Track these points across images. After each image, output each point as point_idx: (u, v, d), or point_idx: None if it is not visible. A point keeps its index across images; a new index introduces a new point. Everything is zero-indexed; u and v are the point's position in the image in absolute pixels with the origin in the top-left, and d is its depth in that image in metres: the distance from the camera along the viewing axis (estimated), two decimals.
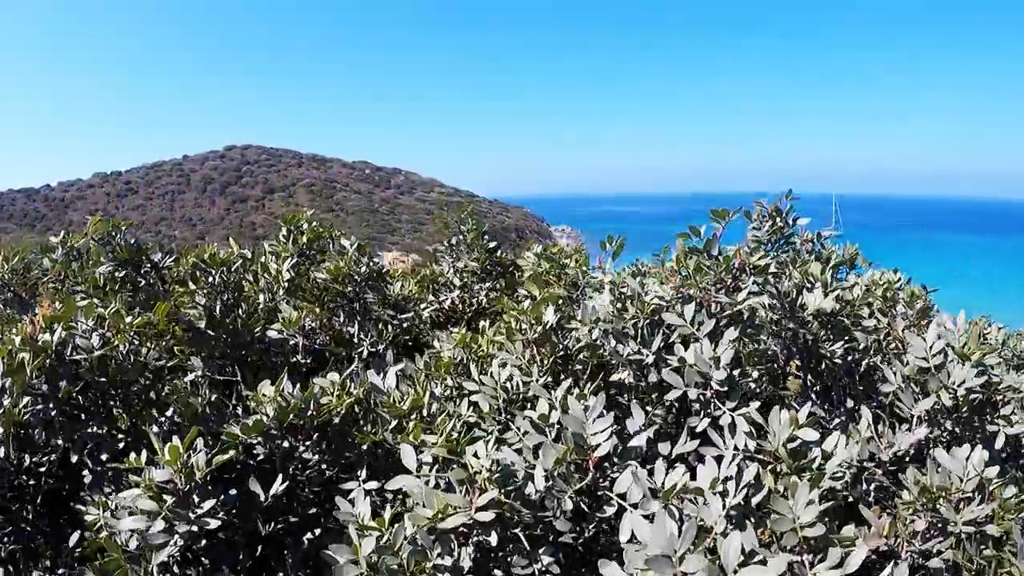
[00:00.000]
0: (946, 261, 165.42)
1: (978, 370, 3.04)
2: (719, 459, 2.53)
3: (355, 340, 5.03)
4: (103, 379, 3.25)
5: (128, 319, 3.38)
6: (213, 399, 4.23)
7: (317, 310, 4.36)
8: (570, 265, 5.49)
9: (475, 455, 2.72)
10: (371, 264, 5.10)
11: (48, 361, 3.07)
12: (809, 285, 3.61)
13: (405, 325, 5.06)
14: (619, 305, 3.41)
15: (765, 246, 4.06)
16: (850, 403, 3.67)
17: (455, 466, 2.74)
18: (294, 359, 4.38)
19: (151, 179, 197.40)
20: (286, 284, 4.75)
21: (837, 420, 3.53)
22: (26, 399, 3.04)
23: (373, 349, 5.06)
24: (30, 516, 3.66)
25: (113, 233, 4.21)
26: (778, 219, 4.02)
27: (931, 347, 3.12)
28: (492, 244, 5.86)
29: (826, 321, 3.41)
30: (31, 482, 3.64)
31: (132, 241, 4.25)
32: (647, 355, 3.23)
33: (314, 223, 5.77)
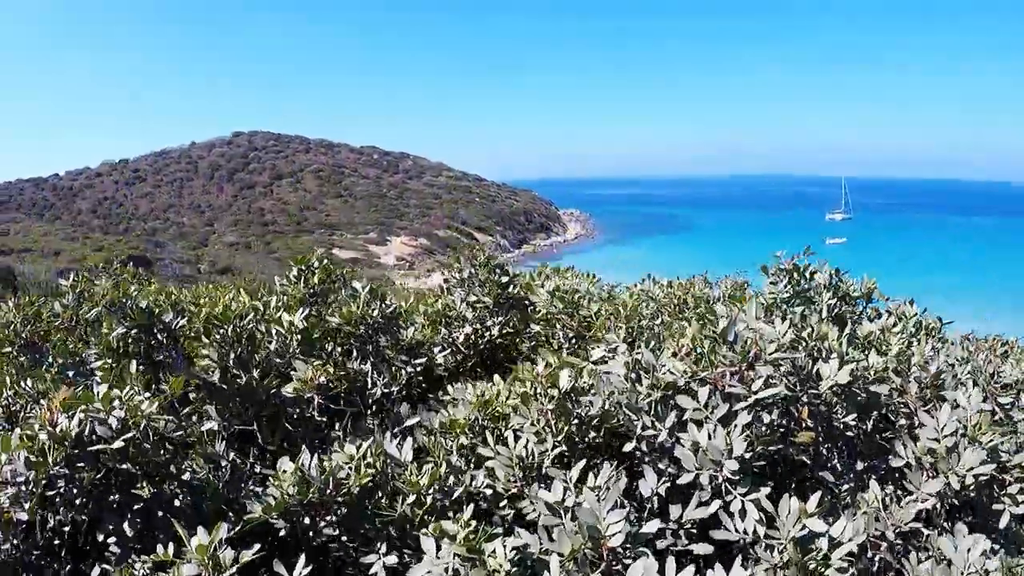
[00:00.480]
0: (956, 243, 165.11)
1: (989, 455, 3.08)
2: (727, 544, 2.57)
3: (368, 383, 5.06)
4: (125, 464, 3.31)
5: (145, 404, 3.42)
6: (231, 456, 4.28)
7: (331, 369, 4.39)
8: (584, 305, 5.52)
9: (493, 552, 2.77)
10: (384, 307, 5.13)
11: (69, 450, 3.13)
12: (825, 354, 3.63)
13: (419, 370, 5.09)
14: (633, 376, 3.44)
15: (783, 304, 4.09)
16: (860, 464, 3.70)
17: (476, 563, 2.79)
18: (309, 413, 4.43)
19: (159, 167, 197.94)
20: (299, 337, 4.78)
21: (847, 486, 3.56)
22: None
23: (387, 390, 5.10)
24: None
25: (124, 299, 4.24)
26: (796, 275, 4.05)
27: (943, 429, 3.16)
28: (504, 279, 5.89)
29: (840, 391, 3.44)
30: (56, 541, 3.71)
31: (144, 305, 4.28)
32: (661, 431, 3.27)
33: (324, 261, 5.80)
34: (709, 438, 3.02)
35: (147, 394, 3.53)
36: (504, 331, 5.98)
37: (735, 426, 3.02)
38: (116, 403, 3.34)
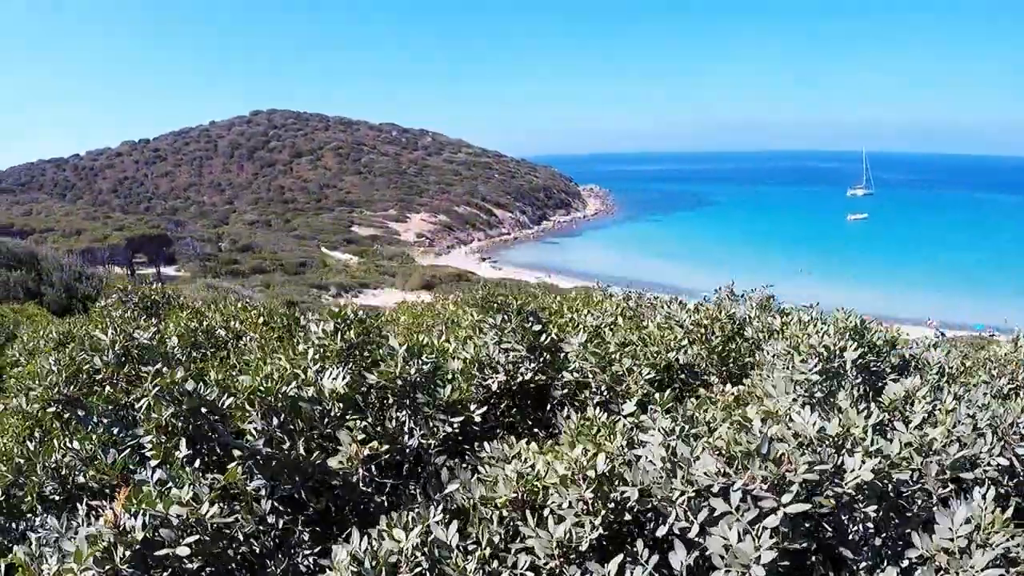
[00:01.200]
0: (978, 220, 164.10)
1: (1001, 558, 3.23)
2: None
3: (405, 438, 5.26)
4: (191, 564, 3.52)
5: (205, 506, 3.62)
6: (279, 521, 4.50)
7: (376, 445, 4.59)
8: (616, 360, 5.69)
9: None
10: (421, 365, 5.32)
11: (135, 553, 3.33)
12: (851, 444, 3.77)
13: (456, 429, 5.28)
14: (668, 467, 3.62)
15: (814, 385, 4.23)
16: (877, 541, 3.85)
17: None
18: (354, 481, 4.62)
19: (179, 146, 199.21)
20: (340, 404, 4.98)
21: (865, 563, 3.72)
22: None
23: (424, 441, 5.30)
24: None
25: (172, 386, 4.46)
26: (827, 354, 4.20)
27: (957, 529, 3.32)
28: (537, 328, 6.07)
29: (863, 485, 3.59)
30: None
31: (191, 390, 4.49)
32: (693, 525, 3.45)
33: (359, 313, 5.98)
34: (739, 539, 3.20)
35: (206, 487, 3.73)
36: (536, 376, 6.16)
37: (763, 528, 3.19)
38: (178, 506, 3.54)
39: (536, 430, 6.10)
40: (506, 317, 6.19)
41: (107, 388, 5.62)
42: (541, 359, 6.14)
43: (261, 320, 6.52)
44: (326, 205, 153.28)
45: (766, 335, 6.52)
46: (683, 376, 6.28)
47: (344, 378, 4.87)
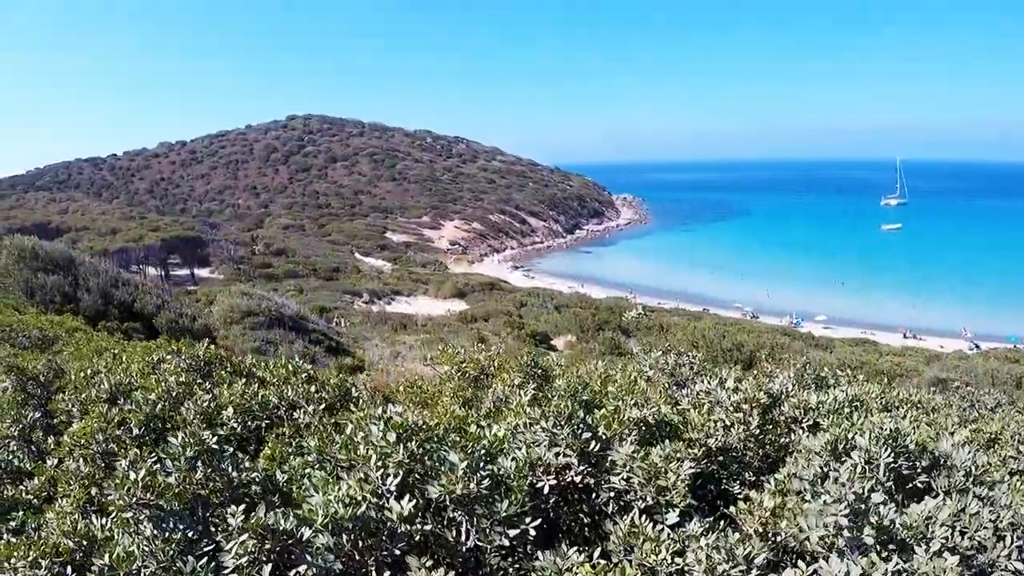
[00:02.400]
0: (1014, 229, 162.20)
1: None
2: None
3: (462, 544, 5.50)
4: None
5: None
6: None
7: (443, 571, 4.82)
8: (661, 474, 5.91)
9: None
10: (481, 480, 5.55)
11: None
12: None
13: (513, 543, 5.50)
14: None
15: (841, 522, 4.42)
16: None
17: None
18: None
19: (215, 148, 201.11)
20: (407, 526, 5.22)
21: None
22: None
23: (480, 544, 5.54)
24: None
25: (256, 525, 4.70)
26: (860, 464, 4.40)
27: None
28: (586, 435, 6.29)
29: None
30: None
31: (275, 527, 4.74)
32: None
33: (419, 421, 6.20)
34: None
35: None
36: (584, 479, 6.38)
37: None
38: None
39: (583, 531, 6.32)
40: (558, 422, 6.42)
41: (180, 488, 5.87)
42: (590, 463, 6.37)
43: (313, 389, 6.75)
44: (360, 211, 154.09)
45: (802, 411, 6.72)
46: (721, 459, 6.48)
47: (411, 500, 5.11)
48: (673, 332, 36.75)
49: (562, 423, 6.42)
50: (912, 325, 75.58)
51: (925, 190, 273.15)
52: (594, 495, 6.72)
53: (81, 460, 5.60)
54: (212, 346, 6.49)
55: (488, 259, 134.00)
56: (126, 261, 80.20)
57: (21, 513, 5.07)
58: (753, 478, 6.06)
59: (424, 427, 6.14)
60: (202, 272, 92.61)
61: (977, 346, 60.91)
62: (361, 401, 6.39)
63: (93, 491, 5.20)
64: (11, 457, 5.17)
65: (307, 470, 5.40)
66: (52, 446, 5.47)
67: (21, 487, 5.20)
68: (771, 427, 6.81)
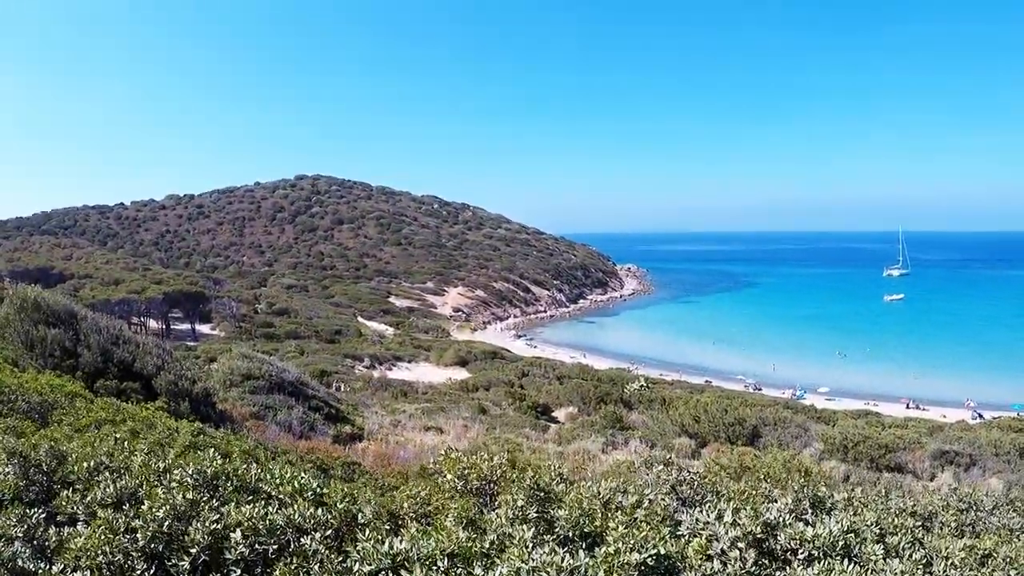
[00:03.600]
0: (1015, 297, 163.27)
1: None
2: None
3: None
4: None
5: None
6: None
7: None
8: None
9: None
10: None
11: None
12: None
13: None
14: None
15: None
16: None
17: None
18: None
19: (222, 204, 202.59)
20: None
21: None
22: None
23: None
24: None
25: None
26: None
27: None
28: None
29: None
30: None
31: None
32: None
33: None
34: None
35: None
36: None
37: None
38: None
39: None
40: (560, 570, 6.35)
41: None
42: None
43: (320, 513, 6.68)
44: (365, 274, 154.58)
45: (798, 542, 6.66)
46: None
47: None
48: (675, 406, 36.57)
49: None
50: (915, 395, 75.49)
51: (927, 260, 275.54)
52: None
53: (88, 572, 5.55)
54: (219, 459, 6.44)
55: (491, 327, 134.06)
56: (127, 312, 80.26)
57: None
58: None
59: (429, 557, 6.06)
60: (203, 328, 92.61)
61: (980, 415, 60.68)
62: (368, 530, 6.30)
63: None
64: (17, 558, 5.12)
65: None
66: (55, 542, 5.41)
67: None
68: (767, 560, 6.75)
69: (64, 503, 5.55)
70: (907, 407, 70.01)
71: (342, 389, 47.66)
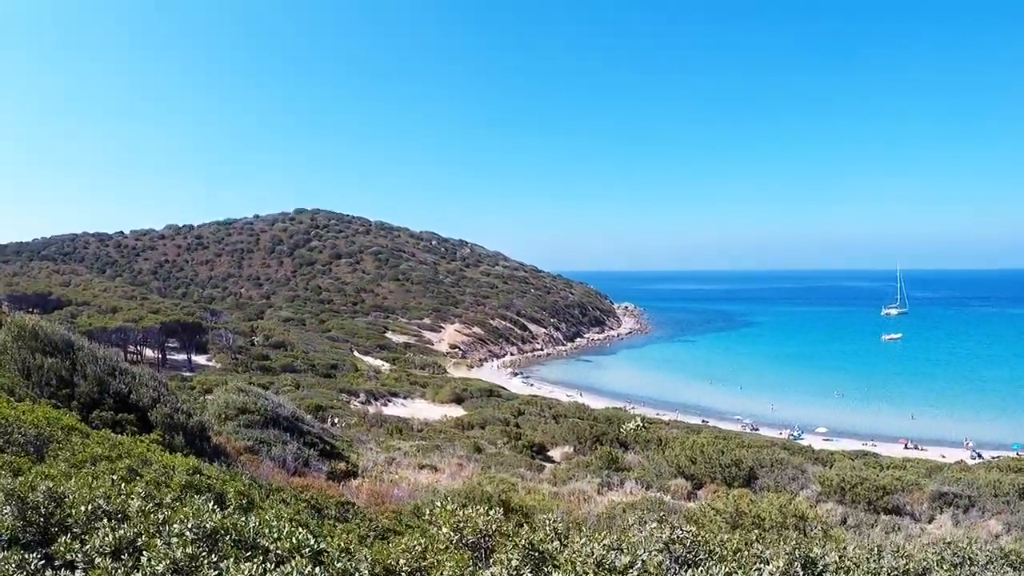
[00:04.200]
0: (1013, 335, 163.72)
1: None
2: None
3: None
4: None
5: None
6: None
7: None
8: None
9: None
10: None
11: None
12: None
13: None
14: None
15: None
16: None
17: None
18: None
19: (221, 235, 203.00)
20: None
21: None
22: None
23: None
24: None
25: None
26: None
27: None
28: None
29: None
30: None
31: None
32: None
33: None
34: None
35: None
36: None
37: None
38: None
39: None
40: None
41: None
42: None
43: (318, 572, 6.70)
44: (362, 309, 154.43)
45: None
46: None
47: None
48: (671, 446, 36.42)
49: None
50: (913, 435, 75.29)
51: (925, 299, 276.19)
52: None
53: None
54: (217, 513, 6.43)
55: (488, 364, 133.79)
56: (124, 340, 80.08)
57: None
58: None
59: None
60: (199, 359, 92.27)
61: (979, 455, 60.43)
62: None
63: None
64: None
65: None
66: None
67: None
68: None
69: (63, 549, 5.54)
70: (905, 447, 69.89)
71: (337, 424, 47.53)
